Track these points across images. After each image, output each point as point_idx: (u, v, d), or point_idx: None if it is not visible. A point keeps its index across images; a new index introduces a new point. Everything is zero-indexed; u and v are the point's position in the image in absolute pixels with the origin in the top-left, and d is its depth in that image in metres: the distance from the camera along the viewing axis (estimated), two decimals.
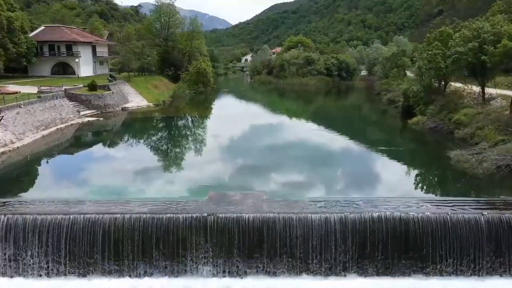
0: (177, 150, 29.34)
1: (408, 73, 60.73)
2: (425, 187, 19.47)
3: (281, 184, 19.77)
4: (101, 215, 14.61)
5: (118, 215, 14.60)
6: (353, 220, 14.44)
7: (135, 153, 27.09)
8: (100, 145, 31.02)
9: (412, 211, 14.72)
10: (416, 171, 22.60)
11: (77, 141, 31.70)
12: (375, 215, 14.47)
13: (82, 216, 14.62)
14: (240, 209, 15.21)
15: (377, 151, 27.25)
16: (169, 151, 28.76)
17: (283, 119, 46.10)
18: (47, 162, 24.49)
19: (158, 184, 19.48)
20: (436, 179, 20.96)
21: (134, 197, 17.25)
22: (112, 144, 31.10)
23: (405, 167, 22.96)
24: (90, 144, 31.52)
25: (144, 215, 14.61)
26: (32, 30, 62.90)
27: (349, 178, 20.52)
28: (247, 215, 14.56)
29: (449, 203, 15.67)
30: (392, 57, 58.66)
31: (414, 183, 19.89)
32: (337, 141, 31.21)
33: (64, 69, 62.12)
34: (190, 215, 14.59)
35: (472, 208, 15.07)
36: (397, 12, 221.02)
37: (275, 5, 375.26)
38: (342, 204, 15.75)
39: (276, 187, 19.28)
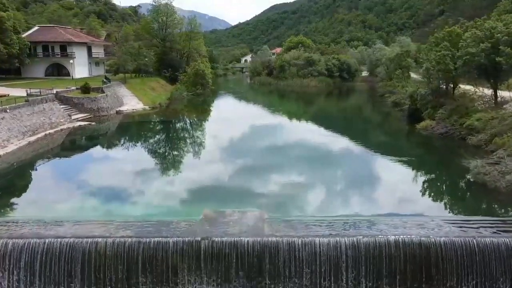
0: (171, 159, 27.13)
1: (412, 74, 59.13)
2: (443, 203, 17.49)
3: (283, 199, 17.96)
4: (80, 239, 12.91)
5: (100, 239, 12.89)
6: (366, 244, 12.73)
7: (124, 163, 24.83)
8: (88, 153, 28.86)
9: (433, 234, 13.02)
10: (432, 184, 20.59)
11: (64, 149, 29.53)
12: (392, 239, 12.76)
13: (59, 240, 12.91)
14: (238, 231, 13.49)
15: (386, 159, 25.35)
16: (162, 160, 26.49)
17: (285, 122, 44.19)
18: (28, 173, 22.51)
19: (147, 199, 17.60)
20: (455, 194, 18.81)
21: (120, 216, 15.45)
22: (101, 152, 29.01)
23: (419, 179, 20.82)
24: (77, 152, 29.15)
25: (129, 239, 12.90)
26: (27, 31, 61.22)
27: (357, 192, 18.50)
28: (246, 239, 12.86)
29: (473, 223, 13.95)
30: (396, 58, 56.93)
31: (432, 199, 17.97)
32: (342, 148, 29.28)
33: (59, 71, 60.41)
34: (181, 239, 12.89)
35: (500, 230, 13.35)
36: (397, 13, 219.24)
37: (274, 5, 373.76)
38: (352, 224, 14.03)
39: (278, 202, 17.51)
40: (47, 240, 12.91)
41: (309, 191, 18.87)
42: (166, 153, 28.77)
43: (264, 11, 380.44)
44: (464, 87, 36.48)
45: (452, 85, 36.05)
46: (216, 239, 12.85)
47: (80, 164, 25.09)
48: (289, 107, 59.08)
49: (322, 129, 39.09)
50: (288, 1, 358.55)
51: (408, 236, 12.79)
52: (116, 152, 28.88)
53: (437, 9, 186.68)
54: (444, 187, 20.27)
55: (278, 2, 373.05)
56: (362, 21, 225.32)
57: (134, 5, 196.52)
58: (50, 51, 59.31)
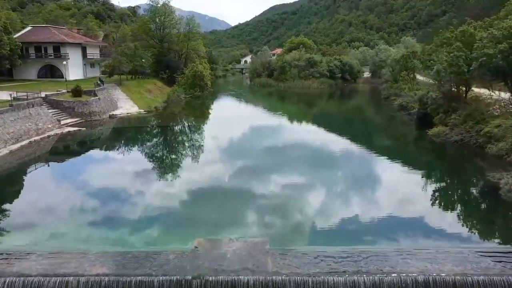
0: (163, 172, 24.06)
1: (417, 76, 57.08)
2: (474, 229, 15.09)
3: (289, 221, 15.53)
4: (48, 278, 10.78)
5: (71, 278, 10.78)
6: (390, 284, 10.62)
7: (110, 177, 22.03)
8: (72, 164, 25.89)
9: (469, 271, 10.89)
10: (457, 205, 17.99)
11: (48, 158, 26.65)
12: (421, 278, 10.64)
13: (21, 279, 10.78)
14: (236, 266, 11.36)
15: (401, 172, 22.78)
16: (152, 173, 23.31)
17: (287, 127, 41.66)
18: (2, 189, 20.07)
19: (131, 223, 15.12)
20: (486, 217, 16.15)
21: (98, 244, 13.29)
22: (87, 163, 25.98)
23: (441, 198, 18.10)
24: (61, 163, 25.96)
25: (106, 278, 10.78)
26: (21, 31, 59.18)
27: (375, 215, 15.92)
28: (245, 278, 10.75)
29: None
30: (401, 59, 54.82)
31: (460, 224, 15.56)
32: (352, 158, 26.80)
33: (52, 72, 58.24)
34: (168, 277, 10.79)
35: None
36: (398, 13, 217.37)
37: (274, 6, 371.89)
38: (370, 257, 11.88)
39: (283, 226, 15.19)
40: (7, 280, 10.80)
41: (319, 213, 16.44)
42: (159, 165, 25.99)
43: (264, 11, 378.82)
44: (479, 90, 34.44)
45: (464, 88, 33.96)
46: (210, 278, 10.76)
47: (60, 178, 22.44)
48: (291, 110, 56.85)
49: (328, 136, 36.80)
50: (288, 2, 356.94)
51: (441, 275, 10.67)
52: (104, 163, 26.16)
53: (438, 10, 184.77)
54: (472, 208, 17.66)
55: (278, 3, 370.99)
56: (363, 22, 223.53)
57: (132, 6, 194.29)
58: (42, 52, 57.16)
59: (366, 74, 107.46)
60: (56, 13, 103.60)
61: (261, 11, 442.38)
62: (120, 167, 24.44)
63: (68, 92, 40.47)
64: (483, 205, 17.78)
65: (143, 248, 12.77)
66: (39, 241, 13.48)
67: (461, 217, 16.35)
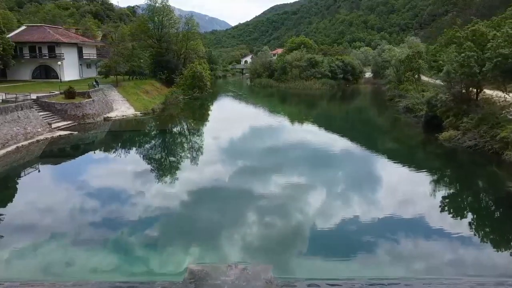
0: (154, 182, 21.72)
1: (422, 77, 55.50)
2: (505, 254, 13.17)
3: (294, 244, 13.82)
4: None
5: None
6: None
7: (96, 188, 20.00)
8: (58, 173, 23.82)
9: None
10: (483, 224, 15.97)
11: (34, 166, 24.61)
12: None
13: None
14: None
15: (416, 184, 20.89)
16: (142, 184, 20.85)
17: (290, 131, 39.86)
18: None
19: (113, 248, 13.23)
20: None
21: (76, 271, 11.65)
22: (73, 174, 23.59)
23: (464, 216, 16.54)
24: (47, 172, 24.04)
25: None
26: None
27: (392, 236, 14.16)
28: None
29: None
30: (406, 59, 53.21)
31: (491, 248, 13.73)
32: (363, 167, 25.03)
33: (47, 73, 56.74)
34: None
35: None
36: (399, 13, 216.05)
37: (275, 6, 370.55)
38: None
39: (287, 249, 13.47)
40: None
41: (328, 233, 14.72)
42: (152, 173, 23.98)
43: (264, 11, 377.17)
44: (492, 92, 32.84)
45: (476, 90, 32.35)
46: None
47: (42, 190, 20.40)
48: (293, 112, 55.16)
49: (332, 140, 34.97)
50: (289, 2, 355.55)
51: None
52: (92, 172, 24.02)
53: (440, 9, 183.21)
54: (501, 227, 15.71)
55: (279, 3, 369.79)
56: (364, 22, 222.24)
57: (132, 5, 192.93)
58: (37, 52, 55.64)
59: (368, 75, 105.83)
60: (54, 13, 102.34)
61: (262, 11, 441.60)
62: (109, 176, 22.78)
63: (61, 93, 38.89)
64: (508, 223, 15.93)
65: (127, 277, 11.15)
66: (8, 268, 11.83)
67: (490, 239, 14.49)
